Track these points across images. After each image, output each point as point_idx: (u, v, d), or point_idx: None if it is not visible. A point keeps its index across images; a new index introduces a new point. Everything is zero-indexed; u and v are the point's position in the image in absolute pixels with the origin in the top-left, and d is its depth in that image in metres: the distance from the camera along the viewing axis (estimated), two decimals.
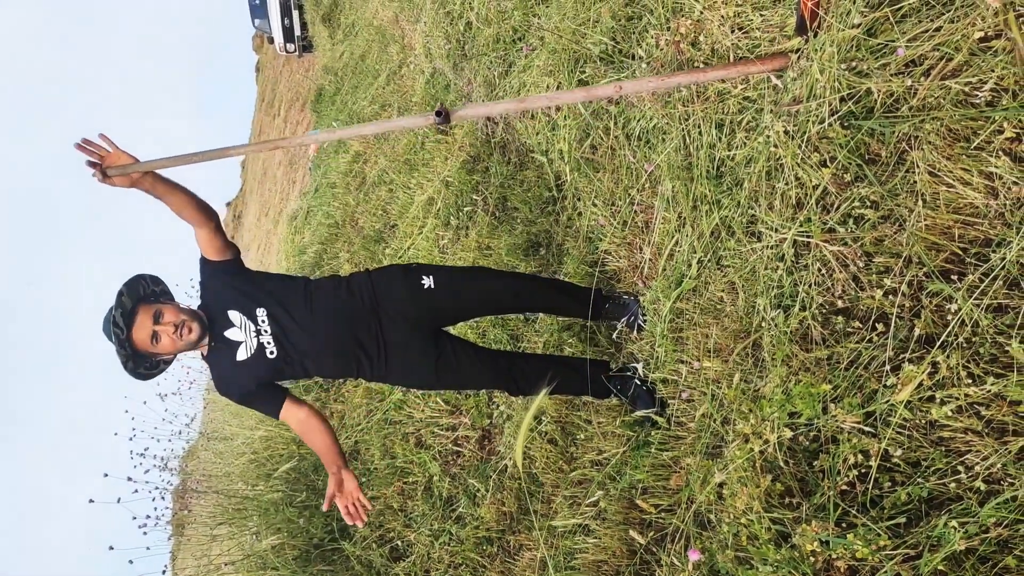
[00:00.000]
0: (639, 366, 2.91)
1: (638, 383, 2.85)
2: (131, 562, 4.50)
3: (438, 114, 2.14)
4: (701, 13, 2.62)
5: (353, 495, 2.56)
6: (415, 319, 2.75)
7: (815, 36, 2.18)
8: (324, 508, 2.55)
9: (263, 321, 2.64)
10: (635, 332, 3.03)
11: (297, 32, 19.00)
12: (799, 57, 2.24)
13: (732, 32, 2.55)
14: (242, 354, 2.63)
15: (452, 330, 3.56)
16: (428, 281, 2.75)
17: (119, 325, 2.51)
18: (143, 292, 2.66)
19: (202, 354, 2.73)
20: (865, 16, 2.08)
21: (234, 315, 2.65)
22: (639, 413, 2.78)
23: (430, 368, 2.75)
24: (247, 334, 2.64)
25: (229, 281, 2.69)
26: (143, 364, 2.65)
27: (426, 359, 2.75)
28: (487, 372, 2.83)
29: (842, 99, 2.13)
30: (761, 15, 2.47)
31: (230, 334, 2.65)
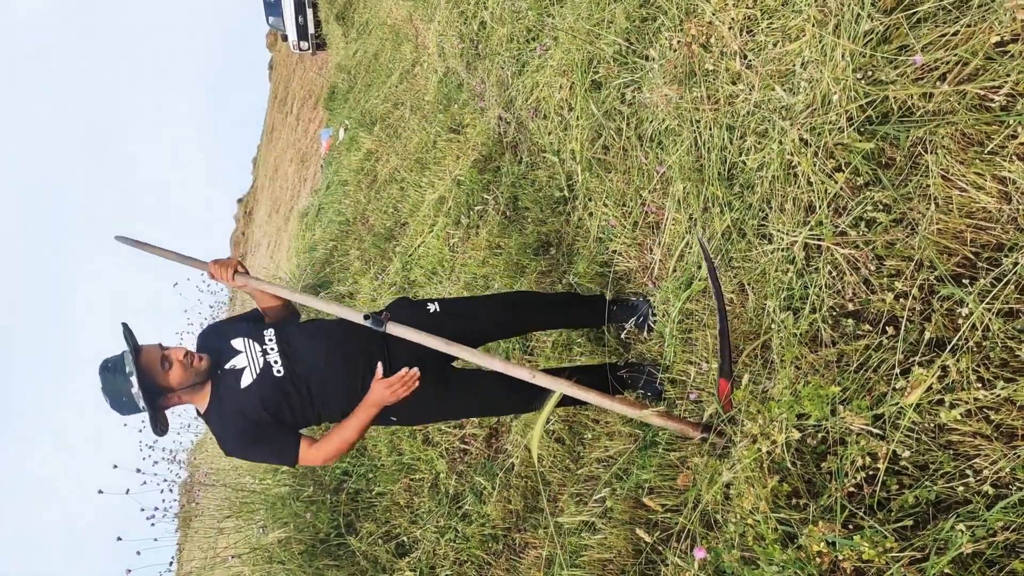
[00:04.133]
0: (648, 367, 2.92)
1: (647, 378, 2.85)
2: (139, 553, 4.53)
3: (366, 317, 2.46)
4: (713, 15, 2.63)
5: (394, 382, 2.47)
6: (423, 346, 2.57)
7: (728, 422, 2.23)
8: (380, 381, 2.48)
9: (270, 340, 2.59)
10: (644, 332, 3.03)
11: (311, 30, 19.06)
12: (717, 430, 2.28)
13: (740, 35, 2.55)
14: (246, 379, 2.51)
15: None
16: (434, 307, 2.77)
17: (131, 345, 2.44)
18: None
19: (198, 412, 2.60)
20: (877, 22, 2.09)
21: (238, 342, 2.58)
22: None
23: (440, 389, 2.67)
24: (252, 356, 2.54)
25: (241, 319, 2.75)
26: (156, 401, 2.48)
27: (435, 381, 2.66)
28: (501, 398, 2.76)
29: (861, 107, 2.14)
30: (768, 20, 2.48)
31: (233, 363, 2.54)
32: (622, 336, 3.17)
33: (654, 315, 2.98)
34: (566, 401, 2.73)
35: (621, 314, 3.05)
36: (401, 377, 2.46)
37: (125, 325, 2.49)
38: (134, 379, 2.37)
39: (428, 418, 2.89)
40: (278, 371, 2.53)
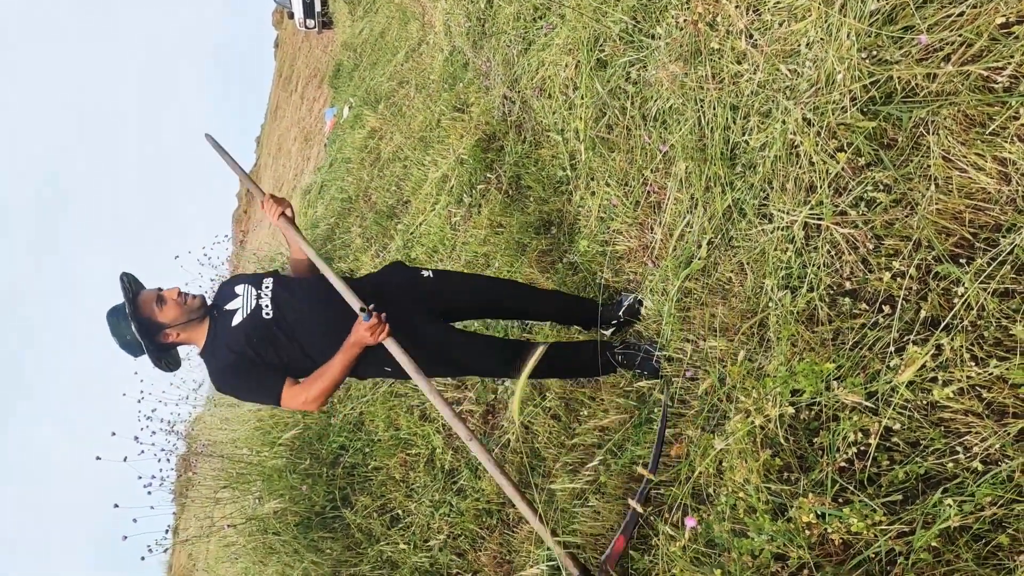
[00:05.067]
0: (645, 344, 2.92)
1: (643, 356, 2.85)
2: (135, 520, 4.56)
3: (362, 309, 2.51)
4: None
5: (378, 323, 2.48)
6: (418, 306, 2.77)
7: None
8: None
9: (267, 287, 2.72)
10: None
11: (317, 8, 18.99)
12: None
13: (747, 14, 2.55)
14: (237, 318, 2.65)
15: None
16: (428, 272, 2.89)
17: (127, 287, 2.63)
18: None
19: (199, 351, 2.73)
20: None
21: (240, 287, 2.74)
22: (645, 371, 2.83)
23: (436, 347, 2.72)
24: (247, 300, 2.68)
25: (255, 273, 2.82)
26: (154, 339, 2.65)
27: (427, 337, 2.73)
28: (491, 356, 2.82)
29: (864, 87, 2.14)
30: None
31: (230, 305, 2.70)
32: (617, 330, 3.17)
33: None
34: (541, 373, 2.82)
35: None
36: (380, 317, 2.49)
37: (123, 275, 2.69)
38: (131, 319, 2.58)
39: (420, 358, 2.94)
40: (267, 314, 2.65)
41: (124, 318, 2.59)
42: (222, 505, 5.19)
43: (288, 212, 2.74)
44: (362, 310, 2.49)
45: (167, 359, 2.77)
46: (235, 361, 2.61)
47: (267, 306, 2.66)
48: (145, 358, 2.68)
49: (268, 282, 2.74)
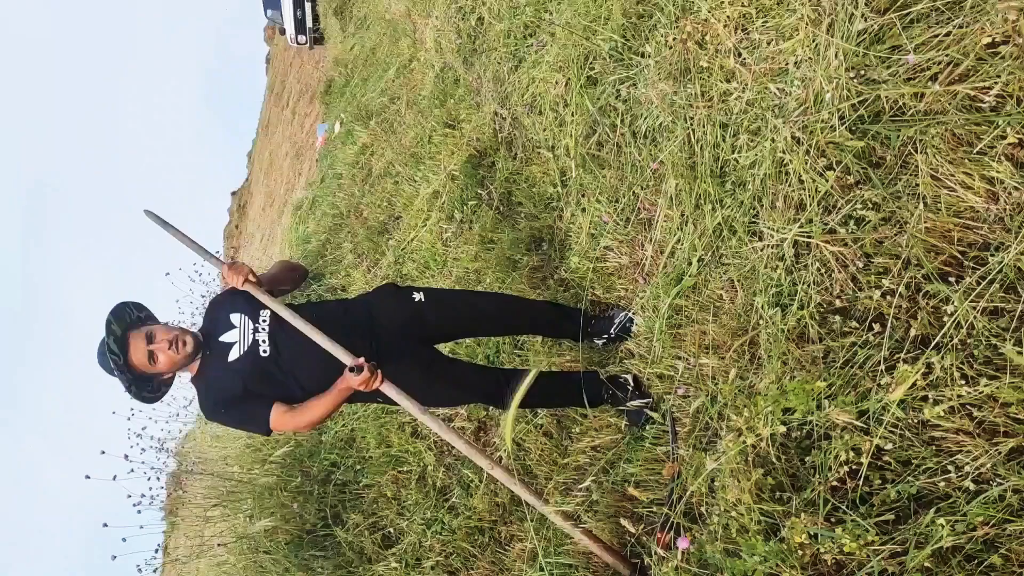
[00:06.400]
0: (630, 377, 2.91)
1: (629, 398, 2.84)
2: (124, 540, 4.53)
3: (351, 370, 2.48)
4: (709, 12, 2.64)
5: (367, 376, 2.42)
6: (407, 330, 2.77)
7: None
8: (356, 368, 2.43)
9: (264, 320, 2.68)
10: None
11: (309, 24, 19.03)
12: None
13: (735, 32, 2.57)
14: (234, 354, 2.63)
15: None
16: (419, 295, 2.86)
17: (115, 352, 2.55)
18: (130, 319, 2.68)
19: (191, 376, 2.72)
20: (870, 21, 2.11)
21: (235, 317, 2.69)
22: (633, 404, 2.80)
23: (422, 375, 2.73)
24: (243, 333, 2.65)
25: (246, 294, 2.73)
26: (146, 388, 2.68)
27: (418, 365, 2.75)
28: (480, 383, 2.84)
29: (853, 106, 2.15)
30: (763, 18, 2.49)
31: (226, 337, 2.65)
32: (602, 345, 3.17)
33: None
34: (530, 402, 2.80)
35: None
36: (371, 368, 2.44)
37: (109, 322, 2.59)
38: (123, 379, 2.58)
39: (412, 391, 2.93)
40: (264, 351, 2.64)
41: (116, 369, 2.56)
42: (213, 523, 5.16)
43: (251, 277, 2.63)
44: (351, 370, 2.47)
45: (157, 395, 2.75)
46: (226, 397, 2.63)
47: (264, 342, 2.64)
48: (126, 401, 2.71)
49: (265, 315, 2.68)
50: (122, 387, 2.62)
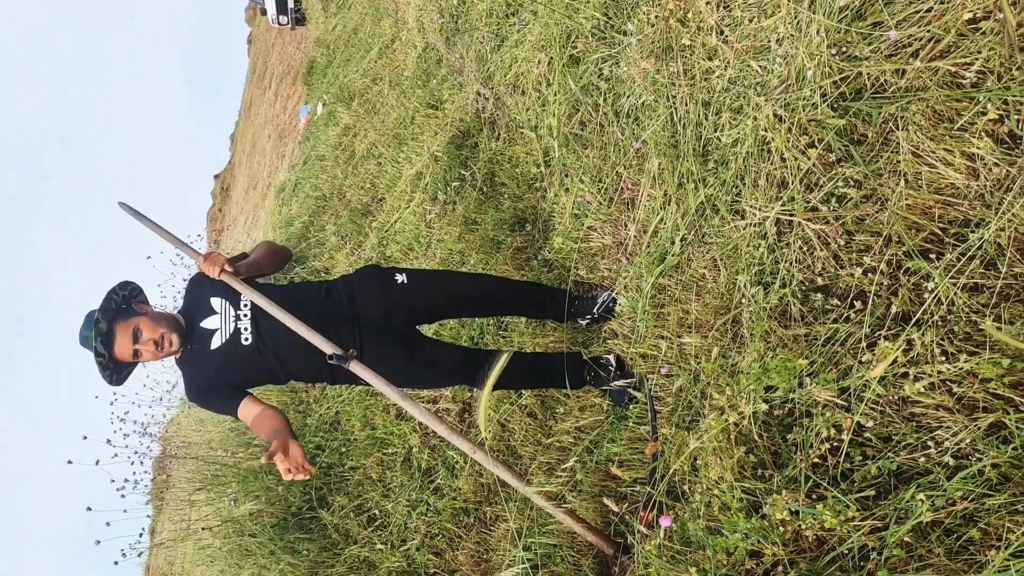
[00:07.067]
0: (612, 357, 2.91)
1: (612, 379, 2.84)
2: (108, 524, 4.51)
3: (330, 358, 2.50)
4: None
5: (297, 459, 2.29)
6: (389, 313, 2.77)
7: None
8: (263, 462, 2.30)
9: (245, 305, 2.68)
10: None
11: (290, 4, 18.83)
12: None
13: (717, 10, 2.55)
14: (216, 341, 2.63)
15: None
16: (401, 277, 2.83)
17: (100, 353, 2.55)
18: (115, 306, 2.66)
19: (175, 359, 2.74)
20: None
21: (216, 302, 2.68)
22: (616, 384, 2.80)
23: (405, 358, 2.74)
24: (225, 320, 2.65)
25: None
26: (122, 372, 2.71)
27: (401, 348, 2.75)
28: (464, 365, 2.84)
29: (834, 83, 2.14)
30: None
31: (208, 323, 2.65)
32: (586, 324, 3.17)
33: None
34: (514, 383, 2.86)
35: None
36: (302, 464, 2.30)
37: (96, 320, 2.56)
38: (105, 375, 2.61)
39: (396, 374, 2.92)
40: (246, 339, 2.63)
41: (97, 365, 2.58)
42: (197, 507, 5.14)
43: (228, 267, 2.60)
44: (330, 358, 2.47)
45: (124, 378, 2.76)
46: (207, 382, 2.67)
47: (246, 329, 2.64)
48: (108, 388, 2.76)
49: (246, 299, 2.67)
50: (98, 372, 2.61)
